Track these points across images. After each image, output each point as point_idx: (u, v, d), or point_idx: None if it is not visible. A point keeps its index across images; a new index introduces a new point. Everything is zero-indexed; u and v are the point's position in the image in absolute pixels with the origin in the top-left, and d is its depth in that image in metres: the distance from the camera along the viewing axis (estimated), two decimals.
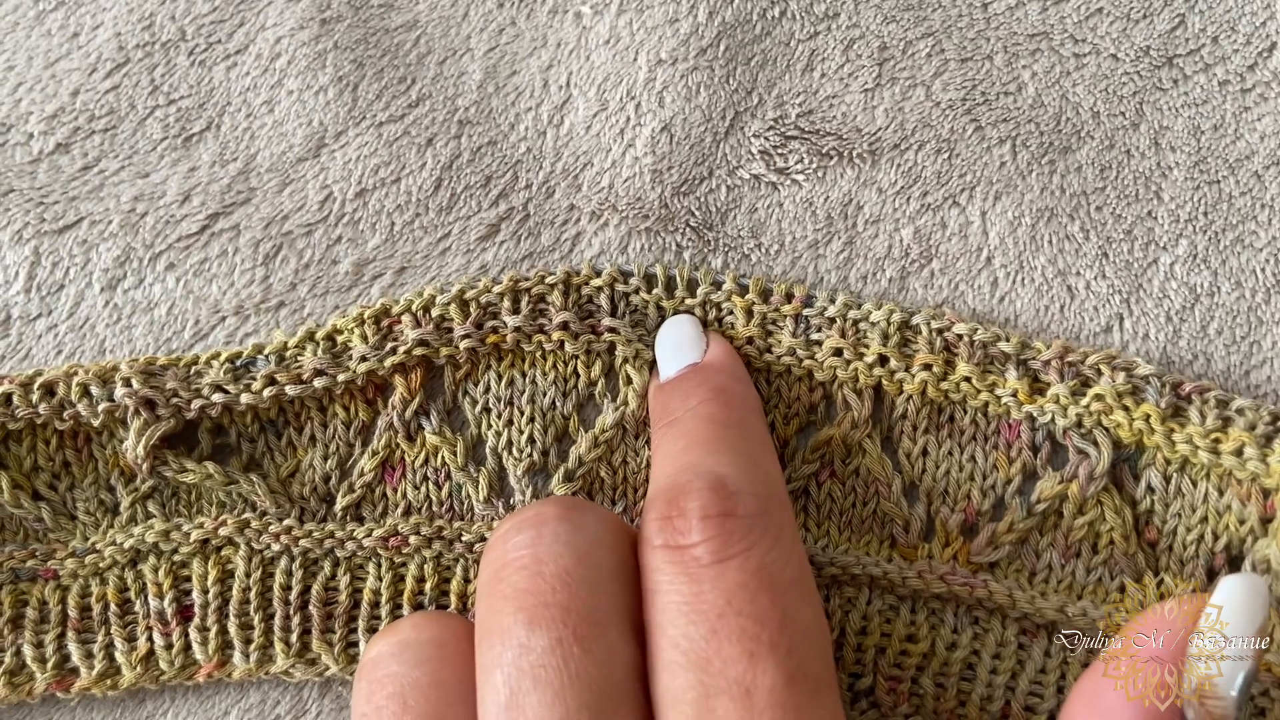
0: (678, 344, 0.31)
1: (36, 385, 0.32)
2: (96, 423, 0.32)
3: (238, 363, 0.32)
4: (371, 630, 0.32)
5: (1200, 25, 0.37)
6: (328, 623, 0.32)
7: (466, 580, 0.32)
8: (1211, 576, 0.30)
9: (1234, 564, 0.29)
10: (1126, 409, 0.30)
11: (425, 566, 0.32)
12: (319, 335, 0.32)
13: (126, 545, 0.32)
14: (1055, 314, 0.33)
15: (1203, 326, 0.33)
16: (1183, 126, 0.35)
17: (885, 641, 0.30)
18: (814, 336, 0.32)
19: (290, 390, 0.32)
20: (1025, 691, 0.30)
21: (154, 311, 0.35)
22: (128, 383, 0.31)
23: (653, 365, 0.32)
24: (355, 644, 0.32)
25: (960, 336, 0.31)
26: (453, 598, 0.32)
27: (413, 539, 0.31)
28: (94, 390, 0.32)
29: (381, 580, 0.32)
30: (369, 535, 0.32)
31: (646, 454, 0.32)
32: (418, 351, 0.32)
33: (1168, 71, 0.36)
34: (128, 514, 0.32)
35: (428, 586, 0.32)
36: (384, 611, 0.32)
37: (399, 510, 0.32)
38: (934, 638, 0.30)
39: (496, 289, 0.32)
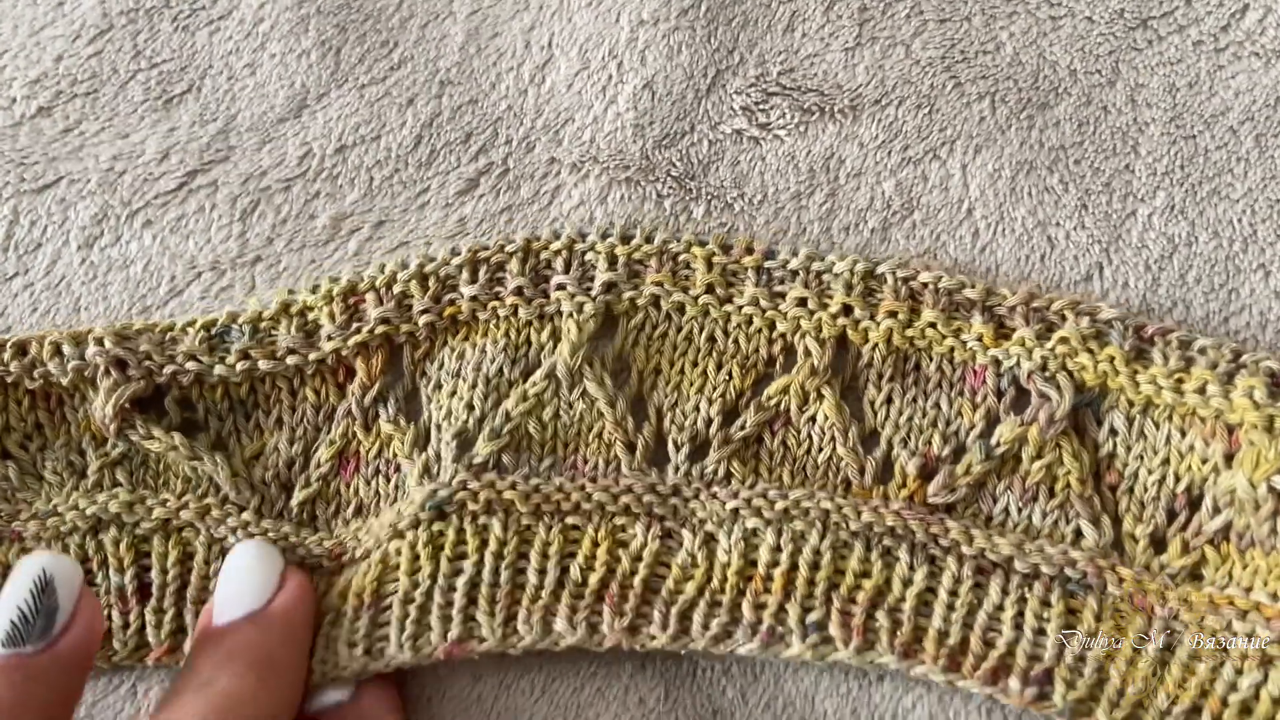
0: (240, 586, 0.29)
1: (9, 344, 0.31)
2: (65, 381, 0.31)
3: (213, 331, 0.32)
4: None
5: None
6: None
7: None
8: (1171, 518, 0.30)
9: (1194, 505, 0.30)
10: (1091, 351, 0.30)
11: None
12: (293, 310, 0.32)
13: (89, 511, 0.31)
14: (1036, 263, 0.33)
15: (1181, 275, 0.33)
16: (1158, 84, 0.36)
17: (838, 578, 0.30)
18: (777, 289, 0.32)
19: (263, 365, 0.32)
20: (983, 626, 0.29)
21: (130, 269, 0.35)
22: (100, 342, 0.31)
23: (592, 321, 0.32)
24: None
25: (925, 284, 0.31)
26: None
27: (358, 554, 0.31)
28: (65, 349, 0.31)
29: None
30: (320, 545, 0.31)
31: (580, 407, 0.32)
32: (380, 330, 0.32)
33: (1142, 33, 0.36)
34: (94, 478, 0.32)
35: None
36: None
37: (350, 508, 0.32)
38: (888, 575, 0.30)
39: (456, 260, 0.32)
